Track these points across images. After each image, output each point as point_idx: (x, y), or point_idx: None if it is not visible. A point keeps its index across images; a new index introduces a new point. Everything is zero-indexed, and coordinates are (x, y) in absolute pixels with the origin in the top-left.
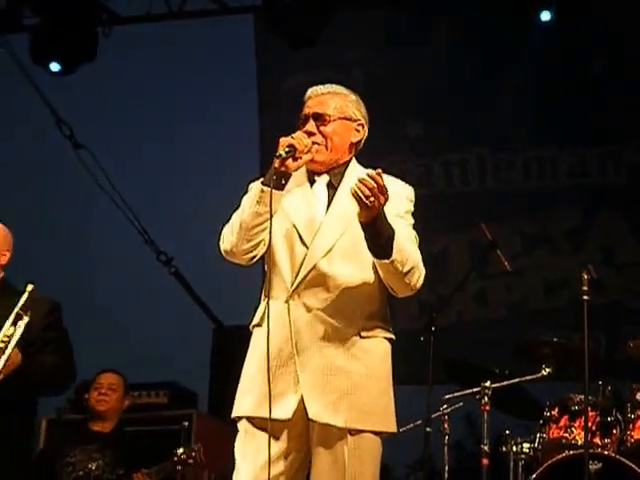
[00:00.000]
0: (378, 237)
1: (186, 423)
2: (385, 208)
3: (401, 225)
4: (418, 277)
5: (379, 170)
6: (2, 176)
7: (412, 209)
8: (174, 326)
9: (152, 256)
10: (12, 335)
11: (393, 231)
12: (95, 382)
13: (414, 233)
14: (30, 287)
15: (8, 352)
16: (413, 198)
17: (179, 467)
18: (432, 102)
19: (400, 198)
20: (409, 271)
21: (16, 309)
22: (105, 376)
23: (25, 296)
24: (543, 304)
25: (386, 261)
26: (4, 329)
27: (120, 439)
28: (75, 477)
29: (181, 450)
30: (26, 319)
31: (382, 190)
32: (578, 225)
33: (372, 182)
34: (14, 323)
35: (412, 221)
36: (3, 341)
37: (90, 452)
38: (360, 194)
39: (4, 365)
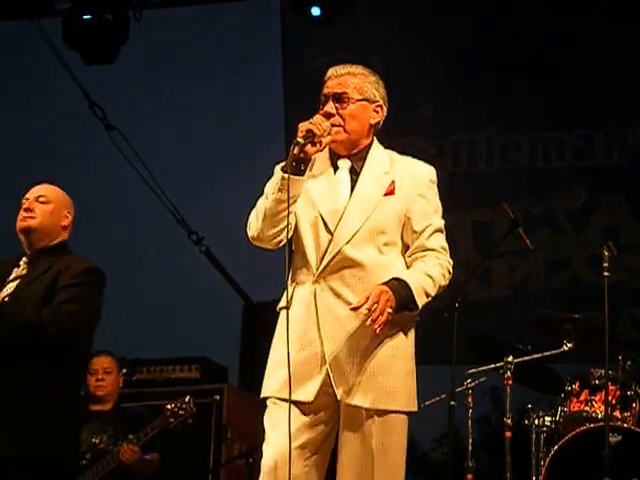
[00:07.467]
0: (400, 308)
1: (217, 397)
2: (411, 193)
3: (429, 222)
4: (447, 280)
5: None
6: (37, 160)
7: (437, 192)
8: (205, 303)
9: (184, 235)
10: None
11: (407, 286)
12: (90, 367)
13: (442, 222)
14: None
15: None
16: (435, 179)
17: (172, 420)
18: (445, 83)
19: (426, 186)
20: (438, 290)
21: None
22: (99, 360)
23: None
24: (545, 285)
25: (417, 311)
26: None
27: (121, 415)
28: (80, 453)
29: (171, 404)
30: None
31: (382, 312)
32: (581, 206)
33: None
34: None
35: (440, 210)
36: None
37: (92, 429)
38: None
39: None
